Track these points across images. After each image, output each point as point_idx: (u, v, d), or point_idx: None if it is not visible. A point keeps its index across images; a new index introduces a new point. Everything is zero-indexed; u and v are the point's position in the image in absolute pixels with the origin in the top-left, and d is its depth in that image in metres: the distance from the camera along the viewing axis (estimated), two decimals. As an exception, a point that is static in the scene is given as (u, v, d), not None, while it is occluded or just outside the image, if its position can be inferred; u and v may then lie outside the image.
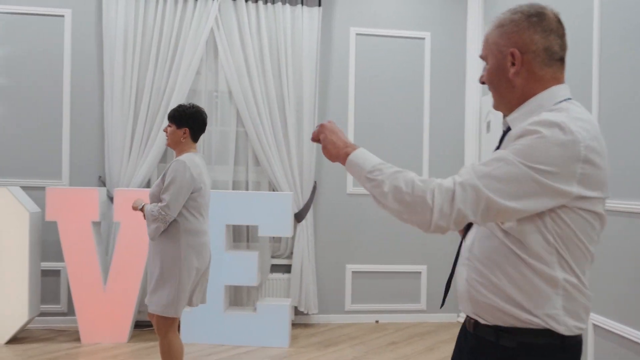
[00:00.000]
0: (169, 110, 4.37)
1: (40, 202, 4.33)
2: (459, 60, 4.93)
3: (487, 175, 1.19)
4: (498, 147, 1.34)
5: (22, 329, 4.20)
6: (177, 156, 2.96)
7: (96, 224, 4.23)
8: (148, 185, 4.54)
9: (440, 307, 1.85)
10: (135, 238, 4.16)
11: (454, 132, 4.92)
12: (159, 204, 2.79)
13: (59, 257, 4.40)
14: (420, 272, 4.87)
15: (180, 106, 2.97)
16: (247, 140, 4.64)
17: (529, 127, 1.19)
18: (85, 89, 4.55)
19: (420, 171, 4.87)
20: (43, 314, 4.44)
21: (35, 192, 4.41)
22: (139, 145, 4.46)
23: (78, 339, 4.17)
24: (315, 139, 1.42)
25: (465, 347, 1.39)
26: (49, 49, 4.52)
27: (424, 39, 4.89)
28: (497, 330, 1.28)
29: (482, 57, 1.39)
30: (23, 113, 4.50)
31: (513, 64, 1.29)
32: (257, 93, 4.53)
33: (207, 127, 4.60)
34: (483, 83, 1.40)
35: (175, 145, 2.96)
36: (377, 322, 4.80)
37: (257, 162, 4.65)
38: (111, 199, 4.41)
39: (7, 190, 4.09)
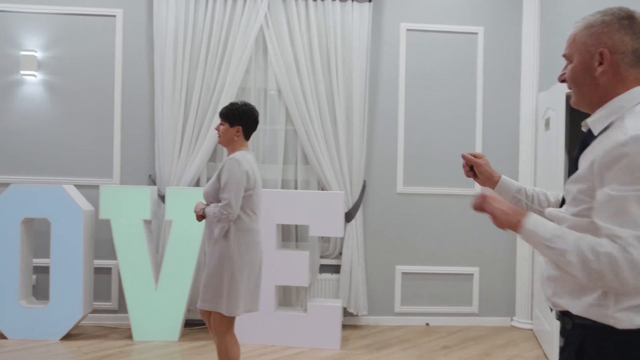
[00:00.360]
0: (219, 108, 4.39)
1: (93, 201, 4.38)
2: (514, 55, 4.76)
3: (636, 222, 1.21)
4: (581, 151, 1.37)
5: (76, 326, 4.26)
6: (229, 154, 2.93)
7: (147, 222, 4.25)
8: (198, 183, 4.54)
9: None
10: (186, 236, 4.16)
11: (508, 130, 4.76)
12: (220, 204, 2.75)
13: (110, 255, 4.45)
14: (472, 274, 4.73)
15: (232, 104, 2.94)
16: (296, 139, 4.60)
17: (618, 150, 1.22)
18: (136, 88, 4.58)
19: (473, 170, 4.72)
20: (94, 311, 4.49)
21: (88, 191, 4.47)
22: (188, 143, 4.46)
23: (130, 337, 4.20)
24: (478, 208, 1.45)
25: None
26: (100, 49, 4.57)
27: (476, 34, 4.74)
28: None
29: (566, 55, 1.44)
30: (76, 112, 4.57)
31: (600, 64, 1.35)
32: (307, 91, 4.47)
33: (259, 126, 4.62)
34: (563, 81, 1.45)
35: (227, 143, 2.93)
36: (427, 324, 4.68)
37: (306, 160, 4.60)
38: (161, 197, 4.43)
39: (63, 188, 4.15)
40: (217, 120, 4.40)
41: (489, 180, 1.78)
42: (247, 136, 2.95)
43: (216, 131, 2.97)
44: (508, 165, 4.69)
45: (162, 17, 4.44)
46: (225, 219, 2.74)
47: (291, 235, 4.62)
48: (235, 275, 2.77)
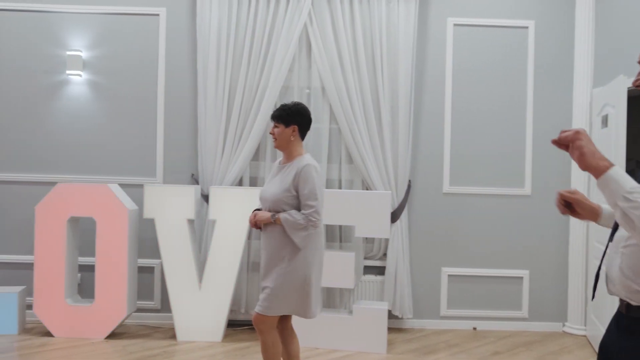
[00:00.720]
0: (262, 108, 4.33)
1: (137, 200, 4.38)
2: (566, 50, 4.57)
3: None
4: None
5: (120, 325, 4.26)
6: (287, 156, 2.89)
7: (191, 222, 4.23)
8: (240, 183, 4.49)
9: (592, 300, 1.99)
10: (230, 236, 4.12)
11: (560, 128, 4.58)
12: (306, 211, 2.73)
13: (153, 254, 4.45)
14: (521, 278, 4.57)
15: (283, 105, 2.91)
16: (341, 138, 4.51)
17: None
18: (179, 87, 4.57)
19: (522, 170, 4.56)
20: (138, 310, 4.49)
21: (133, 190, 4.47)
22: (231, 143, 4.42)
23: (173, 337, 4.18)
24: (568, 140, 1.42)
25: (617, 327, 1.54)
26: (144, 48, 4.57)
27: (527, 28, 4.57)
28: None
29: None
30: (120, 112, 4.58)
31: None
32: (351, 89, 4.38)
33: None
34: (638, 87, 1.54)
35: (285, 145, 2.88)
36: (474, 329, 4.54)
37: (350, 159, 4.51)
38: (204, 197, 4.40)
39: (108, 187, 4.16)
40: (261, 119, 4.37)
41: (592, 213, 1.70)
42: (302, 135, 2.91)
43: (271, 135, 2.91)
44: (559, 165, 4.51)
45: (205, 16, 4.41)
46: (312, 226, 2.74)
47: (335, 236, 4.54)
48: (310, 278, 2.76)
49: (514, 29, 4.58)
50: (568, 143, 1.42)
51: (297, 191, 2.76)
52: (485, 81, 4.58)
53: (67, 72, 4.51)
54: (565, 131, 1.44)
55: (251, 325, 4.47)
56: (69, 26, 4.55)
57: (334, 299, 4.45)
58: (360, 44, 4.39)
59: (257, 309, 2.79)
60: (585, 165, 1.39)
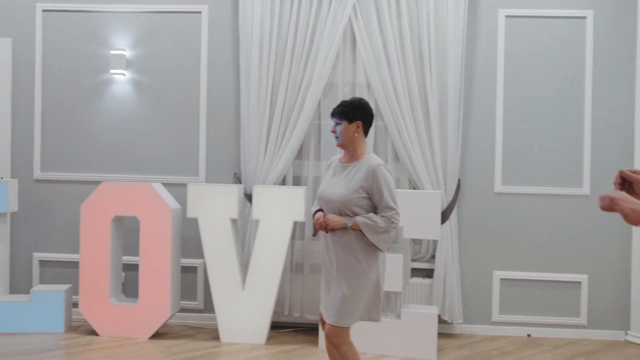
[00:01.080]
0: (305, 105, 4.22)
1: (180, 199, 4.34)
2: (628, 41, 4.29)
3: None
4: None
5: (164, 325, 4.23)
6: (351, 155, 2.74)
7: (234, 221, 4.16)
8: (284, 182, 4.40)
9: None
10: (273, 236, 4.03)
11: (621, 124, 4.30)
12: (386, 214, 2.59)
13: (196, 254, 4.40)
14: (580, 282, 4.31)
15: (344, 101, 2.79)
16: (387, 135, 4.36)
17: None
18: (221, 85, 4.51)
19: (580, 169, 4.31)
20: (181, 309, 4.45)
21: (176, 189, 4.43)
22: (274, 141, 4.33)
23: (217, 338, 4.12)
24: (607, 209, 1.46)
25: None
26: (186, 46, 4.53)
27: (585, 18, 4.31)
28: None
29: None
30: (163, 110, 4.55)
31: None
32: (398, 84, 4.23)
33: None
34: None
35: (349, 142, 2.73)
36: (529, 336, 4.31)
37: (396, 157, 4.35)
38: (247, 196, 4.33)
39: (151, 186, 4.13)
40: (304, 117, 4.26)
41: None
42: (366, 131, 2.77)
43: (332, 133, 2.77)
44: (620, 164, 4.22)
45: (247, 12, 4.34)
46: (394, 228, 2.61)
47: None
48: (379, 283, 2.67)
49: (570, 19, 4.32)
50: (610, 208, 1.45)
51: (368, 192, 2.62)
52: (539, 75, 4.35)
53: (111, 71, 4.52)
54: (602, 198, 1.45)
55: (295, 327, 4.37)
56: (112, 25, 4.56)
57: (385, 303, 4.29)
58: (407, 37, 4.23)
59: (331, 320, 2.59)
60: (634, 223, 1.42)
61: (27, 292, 4.28)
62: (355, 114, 2.71)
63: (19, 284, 4.56)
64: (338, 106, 2.77)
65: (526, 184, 4.35)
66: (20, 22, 4.60)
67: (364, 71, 4.32)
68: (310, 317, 4.31)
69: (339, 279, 2.63)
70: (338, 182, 2.70)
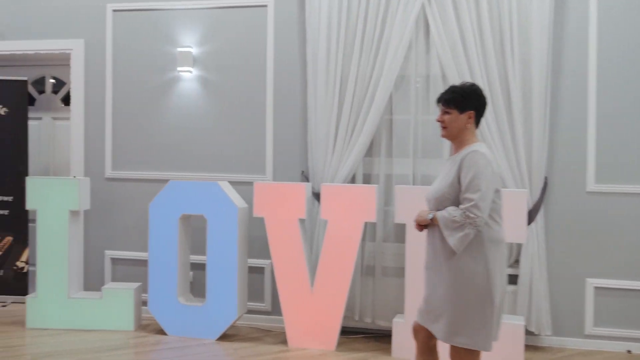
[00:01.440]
0: (375, 99, 3.98)
1: (247, 197, 4.23)
2: None
3: None
4: None
5: (231, 326, 4.13)
6: (457, 147, 2.46)
7: (302, 221, 3.99)
8: (353, 180, 4.19)
9: None
10: (343, 237, 3.83)
11: None
12: (463, 206, 2.26)
13: (263, 254, 4.28)
14: (688, 293, 3.82)
15: (454, 87, 2.49)
16: (464, 130, 4.04)
17: None
18: (287, 79, 4.37)
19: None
20: (248, 311, 4.34)
21: (243, 187, 4.33)
22: (343, 137, 4.13)
23: (284, 342, 3.98)
24: None
25: None
26: (252, 41, 4.42)
27: (693, -5, 3.82)
28: None
29: None
30: (229, 107, 4.47)
31: None
32: (476, 74, 3.91)
33: (419, 117, 4.16)
34: None
35: (457, 134, 2.43)
36: (629, 352, 3.86)
37: (475, 154, 4.02)
38: (315, 195, 4.15)
39: (218, 185, 4.04)
40: (375, 111, 4.03)
41: None
42: (478, 122, 2.47)
43: (439, 123, 2.48)
44: None
45: (314, 3, 4.16)
46: (473, 223, 2.22)
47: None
48: (488, 300, 2.27)
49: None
50: None
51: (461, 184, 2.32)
52: (638, 61, 3.88)
53: (178, 69, 4.49)
54: None
55: (366, 334, 4.16)
56: (179, 23, 4.53)
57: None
58: (485, 23, 3.89)
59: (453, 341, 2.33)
60: None
61: (100, 290, 4.32)
62: (469, 102, 2.41)
63: (92, 281, 4.63)
64: (448, 92, 2.47)
65: (623, 182, 3.90)
66: (91, 23, 4.67)
67: (438, 62, 4.03)
68: (382, 324, 4.07)
69: (433, 289, 2.39)
70: (439, 178, 2.45)
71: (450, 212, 2.29)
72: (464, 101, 2.41)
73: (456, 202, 2.32)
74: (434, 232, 2.40)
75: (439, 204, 2.37)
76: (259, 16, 4.41)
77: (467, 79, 3.89)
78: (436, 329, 2.40)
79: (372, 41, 4.08)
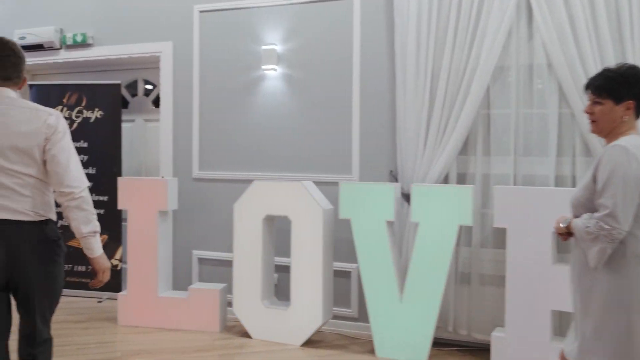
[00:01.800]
0: (470, 93, 3.66)
1: (332, 199, 4.07)
2: None
3: None
4: None
5: (317, 332, 3.98)
6: (608, 143, 2.07)
7: (390, 224, 3.76)
8: (446, 180, 3.89)
9: None
10: (435, 242, 3.56)
11: None
12: (597, 214, 1.90)
13: (349, 258, 4.10)
14: None
15: (607, 71, 2.05)
16: (574, 124, 3.61)
17: None
18: (375, 74, 4.15)
19: None
20: (334, 317, 4.18)
21: (328, 188, 4.17)
22: (435, 135, 3.85)
23: (372, 351, 3.76)
24: None
25: None
26: (337, 36, 4.25)
27: None
28: None
29: None
30: (314, 105, 4.33)
31: None
32: (588, 62, 3.47)
33: (520, 111, 3.77)
34: None
35: (611, 129, 2.03)
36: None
37: (587, 151, 3.57)
38: (404, 195, 3.90)
39: (302, 185, 3.91)
40: (469, 106, 3.70)
41: None
42: (638, 113, 2.02)
43: (587, 115, 2.11)
44: None
45: (403, -6, 3.92)
46: (608, 236, 1.85)
47: (562, 246, 3.66)
48: (633, 323, 1.91)
49: None
50: None
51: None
52: None
53: (263, 67, 4.41)
54: None
55: (461, 347, 3.85)
56: (263, 20, 4.46)
57: (566, 325, 3.58)
58: (599, 3, 3.46)
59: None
60: None
61: (187, 289, 4.34)
62: (628, 89, 1.98)
63: (180, 281, 4.67)
64: (599, 76, 2.06)
65: None
66: (179, 25, 4.72)
67: (543, 50, 3.63)
68: (479, 337, 3.74)
69: (576, 306, 2.07)
70: (581, 181, 2.13)
71: (584, 221, 1.96)
72: (622, 89, 1.98)
73: (591, 208, 1.97)
74: (578, 243, 2.07)
75: (576, 210, 2.05)
76: (345, 9, 4.23)
77: (578, 67, 3.48)
78: (568, 350, 2.07)
79: (466, 29, 3.76)
